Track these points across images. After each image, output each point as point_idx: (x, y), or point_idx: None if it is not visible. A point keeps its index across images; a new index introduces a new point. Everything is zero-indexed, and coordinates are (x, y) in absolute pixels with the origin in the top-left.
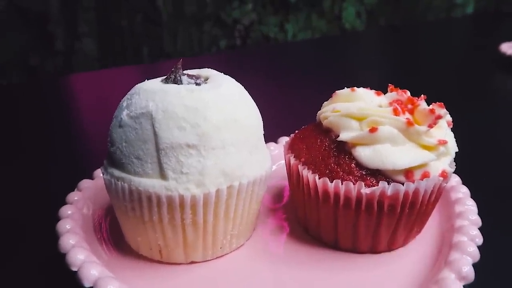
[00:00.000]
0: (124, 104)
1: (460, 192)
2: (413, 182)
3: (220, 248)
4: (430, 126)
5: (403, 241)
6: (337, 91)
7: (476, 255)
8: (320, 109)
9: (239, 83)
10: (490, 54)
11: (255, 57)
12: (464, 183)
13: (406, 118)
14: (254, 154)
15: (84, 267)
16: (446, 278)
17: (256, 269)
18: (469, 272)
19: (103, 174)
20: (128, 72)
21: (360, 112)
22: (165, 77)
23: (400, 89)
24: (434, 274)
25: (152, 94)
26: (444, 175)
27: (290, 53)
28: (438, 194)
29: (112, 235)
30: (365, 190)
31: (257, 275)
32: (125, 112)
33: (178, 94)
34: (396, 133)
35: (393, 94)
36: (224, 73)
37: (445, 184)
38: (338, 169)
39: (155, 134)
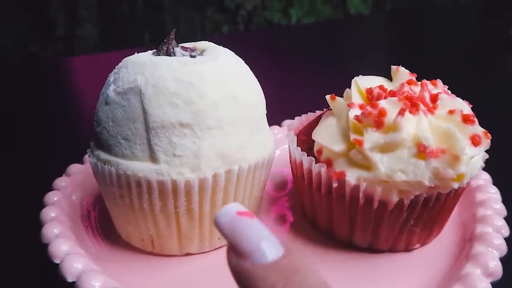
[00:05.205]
0: (111, 79)
1: (481, 178)
2: None
3: (218, 238)
4: None
5: (423, 240)
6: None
7: (503, 248)
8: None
9: (239, 57)
10: (501, 38)
11: (259, 40)
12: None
13: None
14: (256, 136)
15: (67, 260)
16: (471, 274)
17: None
18: (496, 267)
19: (89, 157)
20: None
21: None
22: (157, 49)
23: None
24: (456, 270)
25: (141, 67)
26: None
27: (295, 37)
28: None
29: (102, 224)
30: None
31: None
32: (111, 88)
33: (170, 67)
34: None
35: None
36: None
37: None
38: None
39: (144, 111)
